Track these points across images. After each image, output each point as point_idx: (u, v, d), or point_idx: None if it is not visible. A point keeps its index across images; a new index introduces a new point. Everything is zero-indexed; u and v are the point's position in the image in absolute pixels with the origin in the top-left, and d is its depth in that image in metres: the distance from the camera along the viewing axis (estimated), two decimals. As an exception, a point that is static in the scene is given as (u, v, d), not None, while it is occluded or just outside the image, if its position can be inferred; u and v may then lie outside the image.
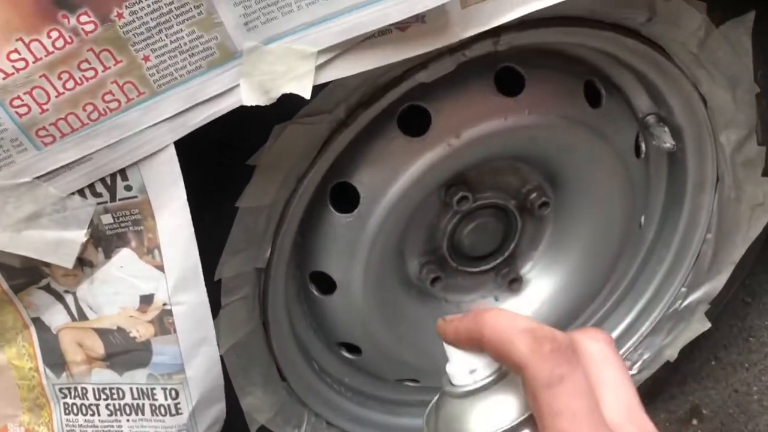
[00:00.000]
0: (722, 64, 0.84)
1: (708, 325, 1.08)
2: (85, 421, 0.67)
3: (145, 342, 0.63)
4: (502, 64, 0.81)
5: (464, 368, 0.36)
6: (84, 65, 0.51)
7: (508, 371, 0.35)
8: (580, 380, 0.32)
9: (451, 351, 0.37)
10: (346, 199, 0.82)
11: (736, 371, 1.26)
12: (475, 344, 0.35)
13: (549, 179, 0.93)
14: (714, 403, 1.22)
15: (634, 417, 0.34)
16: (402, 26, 0.56)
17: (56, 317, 0.64)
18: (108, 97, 0.53)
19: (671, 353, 1.10)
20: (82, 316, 0.63)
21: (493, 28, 0.70)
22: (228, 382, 0.82)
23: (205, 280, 0.71)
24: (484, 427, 0.34)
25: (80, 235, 0.59)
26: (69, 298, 0.63)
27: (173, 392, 0.65)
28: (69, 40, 0.50)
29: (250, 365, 0.83)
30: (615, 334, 1.11)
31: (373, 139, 0.79)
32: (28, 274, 0.62)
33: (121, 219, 0.59)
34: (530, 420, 0.34)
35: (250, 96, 0.55)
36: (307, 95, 0.56)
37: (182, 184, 0.58)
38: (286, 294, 0.85)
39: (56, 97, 0.52)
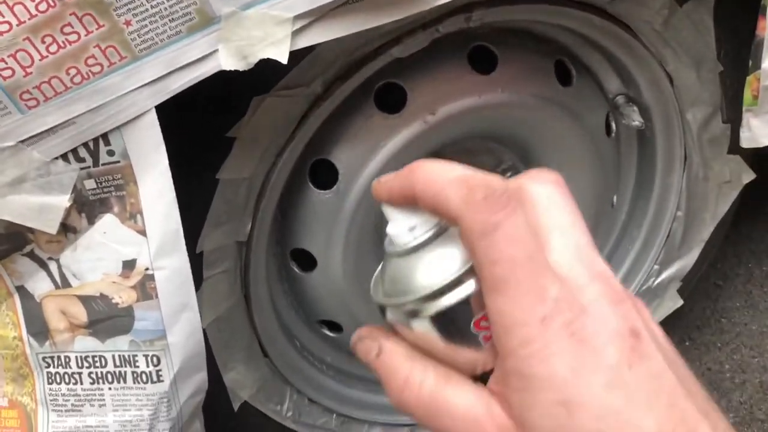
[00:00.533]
0: (686, 42, 0.87)
1: (680, 302, 1.11)
2: (68, 390, 0.68)
3: (128, 308, 0.64)
4: (476, 43, 0.84)
5: (404, 227, 0.35)
6: (67, 29, 0.53)
7: (448, 224, 0.34)
8: (518, 226, 0.30)
9: (389, 211, 0.36)
10: (326, 175, 0.84)
11: (709, 351, 1.29)
12: (410, 201, 0.34)
13: (522, 158, 0.95)
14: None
15: (584, 258, 0.32)
16: (376, -7, 0.58)
17: (40, 285, 0.65)
18: (90, 61, 0.55)
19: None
20: (66, 284, 0.65)
21: (465, 4, 0.73)
22: (211, 357, 0.83)
23: (188, 252, 0.73)
24: (428, 281, 0.33)
25: (64, 200, 0.60)
26: (52, 265, 0.64)
27: (155, 359, 0.66)
28: (52, 4, 0.52)
29: (232, 340, 0.84)
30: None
31: (350, 116, 0.81)
32: (12, 241, 0.63)
33: (104, 184, 0.61)
34: (472, 270, 0.33)
35: (228, 61, 0.57)
36: (284, 60, 0.58)
37: (164, 149, 0.60)
38: (267, 270, 0.87)
39: (40, 60, 0.54)
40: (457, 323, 0.33)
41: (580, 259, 0.32)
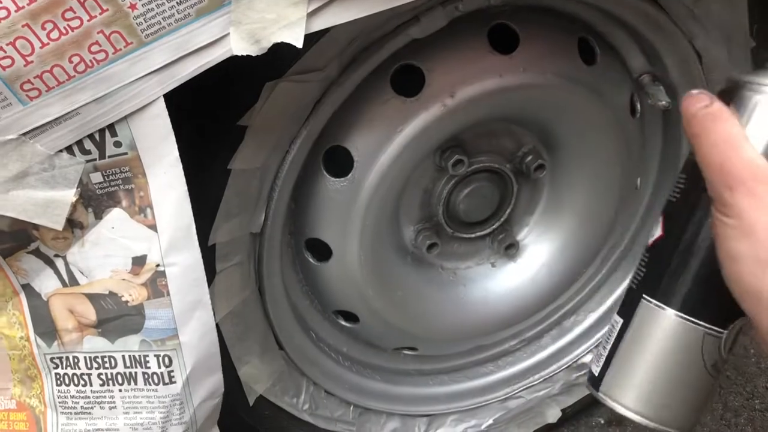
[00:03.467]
0: (717, 18, 0.83)
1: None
2: (77, 391, 0.65)
3: (138, 306, 0.61)
4: (496, 21, 0.80)
5: None
6: (68, 14, 0.50)
7: None
8: None
9: None
10: (340, 163, 0.81)
11: (734, 335, 1.26)
12: None
13: (544, 141, 0.92)
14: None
15: None
16: (395, -29, 0.54)
17: (46, 283, 0.63)
18: (94, 48, 0.52)
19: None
20: (73, 281, 0.62)
21: (487, -20, 0.69)
22: (225, 352, 0.81)
23: (199, 245, 0.70)
24: None
25: (69, 195, 0.57)
26: (59, 263, 0.62)
27: (166, 359, 0.63)
28: (52, -13, 0.48)
29: (247, 334, 0.82)
30: (613, 297, 1.10)
31: (366, 101, 0.78)
32: (17, 238, 0.60)
33: (111, 177, 0.58)
34: None
35: (239, 45, 0.54)
36: (299, 44, 0.55)
37: (173, 139, 0.57)
38: (281, 261, 0.84)
39: (40, 48, 0.50)
40: None
41: None
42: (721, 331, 0.48)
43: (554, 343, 1.12)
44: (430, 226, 0.93)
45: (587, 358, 1.11)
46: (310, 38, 0.61)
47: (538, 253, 1.00)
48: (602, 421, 1.17)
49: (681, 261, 0.48)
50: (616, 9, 0.82)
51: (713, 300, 0.46)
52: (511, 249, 0.98)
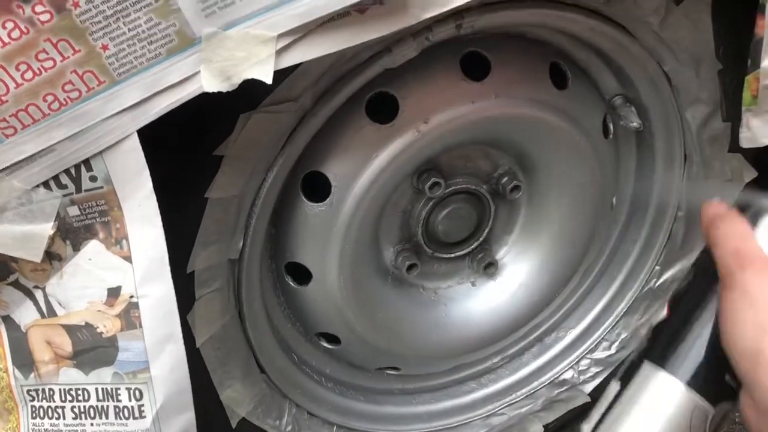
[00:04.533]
0: (684, 41, 0.85)
1: (683, 303, 1.09)
2: (51, 425, 0.66)
3: (111, 337, 0.63)
4: (468, 49, 0.82)
5: None
6: (42, 55, 0.51)
7: None
8: None
9: None
10: (319, 188, 0.82)
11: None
12: None
13: (520, 163, 0.94)
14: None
15: None
16: (360, 8, 0.56)
17: (25, 314, 0.64)
18: (68, 87, 0.53)
19: (648, 333, 1.11)
20: (51, 312, 0.63)
21: (456, 11, 0.71)
22: (207, 376, 0.82)
23: (178, 272, 0.71)
24: None
25: (47, 228, 0.59)
26: (38, 294, 0.63)
27: (137, 392, 0.64)
28: (25, 31, 0.50)
29: (228, 358, 0.83)
30: (592, 314, 1.12)
31: (342, 128, 0.80)
32: (-4, 270, 0.61)
33: (87, 210, 0.59)
34: None
35: (210, 82, 0.55)
36: (269, 80, 0.56)
37: (147, 173, 0.58)
38: (261, 285, 0.85)
39: (15, 88, 0.52)
40: None
41: None
42: (711, 406, 0.51)
43: (535, 359, 1.14)
44: (409, 247, 0.94)
45: (568, 375, 1.13)
46: (283, 71, 0.63)
47: (517, 272, 1.02)
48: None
49: (682, 335, 0.52)
50: (585, 34, 0.84)
51: (711, 375, 0.49)
52: (490, 268, 1.00)
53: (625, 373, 0.55)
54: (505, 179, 0.93)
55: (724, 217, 0.53)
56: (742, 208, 0.54)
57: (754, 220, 0.52)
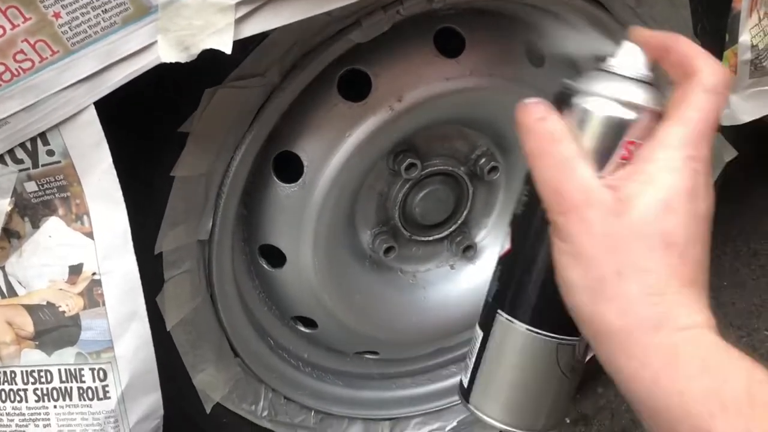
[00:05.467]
0: (661, 17, 0.84)
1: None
2: (13, 408, 0.64)
3: (74, 316, 0.61)
4: (442, 25, 0.80)
5: (638, 63, 0.46)
6: (-9, 23, 0.50)
7: (655, 78, 0.47)
8: (722, 102, 0.44)
9: (633, 48, 0.47)
10: (291, 169, 0.81)
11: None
12: (657, 50, 0.46)
13: (497, 144, 0.93)
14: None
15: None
16: (323, -25, 0.55)
17: (-15, 294, 0.62)
18: (20, 57, 0.52)
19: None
20: (12, 292, 0.62)
21: (426, -17, 0.69)
22: (179, 360, 0.81)
23: (146, 255, 0.70)
24: (626, 97, 0.45)
25: (4, 205, 0.57)
26: (-2, 273, 0.61)
27: (101, 372, 0.63)
28: (-28, -3, 0.48)
29: (200, 341, 0.82)
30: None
31: (313, 106, 0.78)
32: (-47, 249, 0.60)
33: (45, 186, 0.58)
34: (657, 112, 0.45)
35: (168, 53, 0.54)
36: (228, 50, 0.55)
37: (106, 146, 0.57)
38: (234, 267, 0.84)
39: (-36, 57, 0.50)
40: (610, 142, 0.45)
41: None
42: (574, 339, 0.49)
43: (516, 344, 1.13)
44: (387, 229, 0.93)
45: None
46: (249, 43, 0.61)
47: (496, 254, 1.00)
48: (568, 420, 1.17)
49: (527, 276, 0.48)
50: (559, 10, 0.83)
51: (560, 313, 0.45)
52: (469, 251, 0.98)
53: (485, 318, 0.52)
54: (483, 160, 0.92)
55: (542, 136, 0.45)
56: (563, 98, 0.47)
57: (574, 114, 0.46)
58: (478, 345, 0.52)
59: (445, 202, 0.94)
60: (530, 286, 0.48)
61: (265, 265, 0.88)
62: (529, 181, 0.47)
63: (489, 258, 1.01)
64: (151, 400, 0.65)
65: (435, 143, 0.90)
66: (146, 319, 0.61)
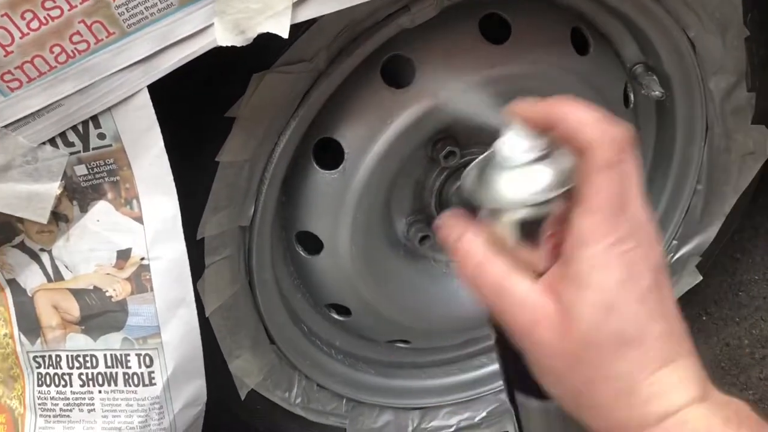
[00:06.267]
0: (711, 6, 0.82)
1: (699, 278, 1.07)
2: (57, 392, 0.64)
3: (121, 301, 0.60)
4: (487, 11, 0.79)
5: (520, 146, 0.41)
6: (48, 3, 0.49)
7: (551, 153, 0.41)
8: (630, 172, 0.40)
9: (512, 130, 0.42)
10: (331, 155, 0.80)
11: (727, 325, 1.26)
12: (542, 124, 0.41)
13: (537, 133, 0.91)
14: (706, 357, 1.22)
15: (647, 212, 0.41)
16: (382, -41, 0.53)
17: (32, 278, 0.62)
18: (76, 38, 0.51)
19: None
20: (58, 276, 0.61)
21: (477, -31, 0.68)
22: (216, 346, 0.80)
23: (188, 240, 0.69)
24: (524, 194, 0.41)
25: (53, 188, 0.56)
26: (44, 257, 0.61)
27: (147, 358, 0.62)
28: (31, -24, 0.47)
29: (238, 327, 0.81)
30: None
31: (356, 92, 0.77)
32: (1, 231, 0.59)
33: (95, 169, 0.57)
34: (561, 196, 0.41)
35: (224, 36, 0.53)
36: (285, 35, 0.54)
37: (158, 130, 0.56)
38: (272, 254, 0.83)
39: (20, 38, 0.49)
40: (532, 230, 0.42)
41: (648, 213, 0.41)
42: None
43: (548, 335, 1.12)
44: (422, 218, 0.92)
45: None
46: (297, 29, 0.60)
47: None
48: None
49: (520, 365, 0.45)
50: (608, -2, 0.81)
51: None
52: (503, 241, 0.97)
53: (508, 395, 0.50)
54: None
55: (462, 254, 0.43)
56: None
57: (494, 219, 0.43)
58: (514, 419, 0.51)
59: (482, 191, 0.93)
60: (527, 369, 0.45)
61: (301, 252, 0.87)
62: None
63: (524, 248, 0.99)
64: (196, 386, 0.65)
65: (474, 131, 0.88)
66: (194, 306, 0.61)
